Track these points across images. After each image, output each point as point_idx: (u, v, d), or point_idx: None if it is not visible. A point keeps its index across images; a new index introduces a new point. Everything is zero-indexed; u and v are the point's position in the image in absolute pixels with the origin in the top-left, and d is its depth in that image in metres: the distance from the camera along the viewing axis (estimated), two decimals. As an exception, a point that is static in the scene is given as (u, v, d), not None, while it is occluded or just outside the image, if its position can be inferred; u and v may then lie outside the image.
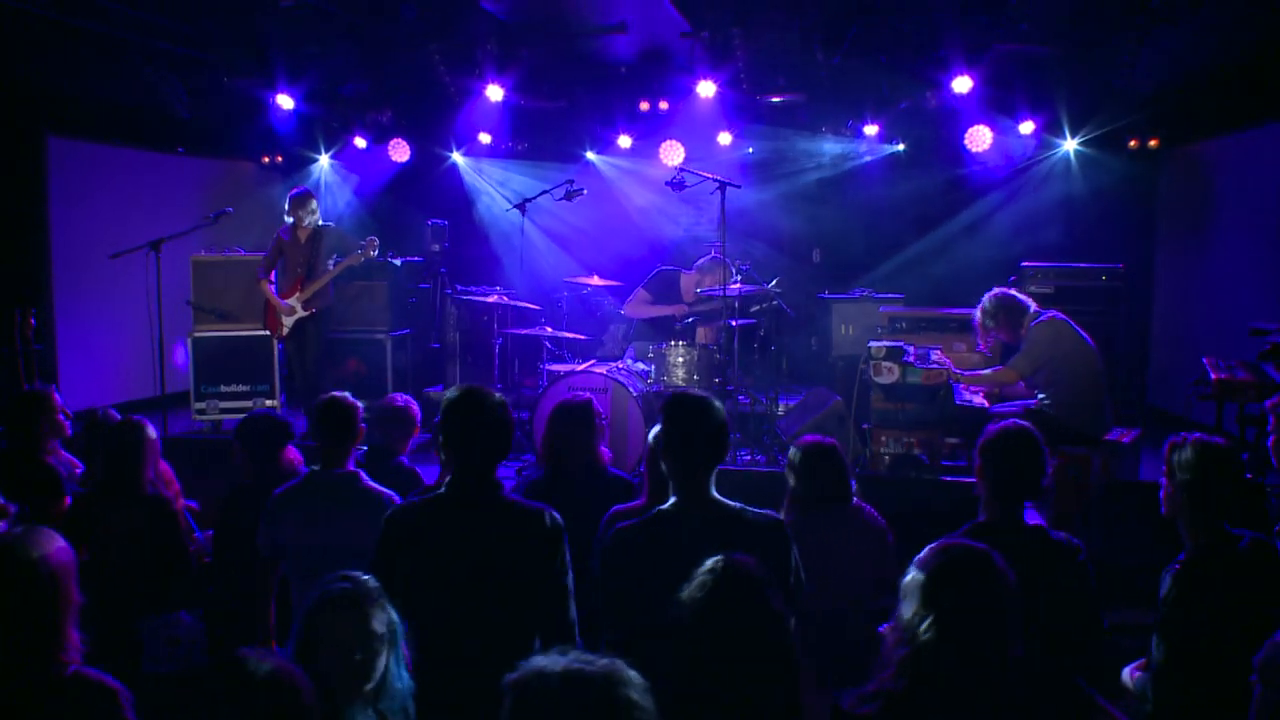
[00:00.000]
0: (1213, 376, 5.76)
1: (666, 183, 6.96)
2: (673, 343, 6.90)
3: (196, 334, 8.68)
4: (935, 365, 5.62)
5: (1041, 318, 5.87)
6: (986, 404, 5.96)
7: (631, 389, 6.80)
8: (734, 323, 7.11)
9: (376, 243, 8.03)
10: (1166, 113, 9.22)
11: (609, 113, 9.80)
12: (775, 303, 7.34)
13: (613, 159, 10.50)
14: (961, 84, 7.45)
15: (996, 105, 9.12)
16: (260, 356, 8.72)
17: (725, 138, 9.82)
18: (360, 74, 8.29)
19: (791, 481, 4.05)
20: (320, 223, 8.13)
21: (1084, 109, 9.19)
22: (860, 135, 9.63)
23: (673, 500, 3.06)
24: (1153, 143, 9.56)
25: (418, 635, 3.18)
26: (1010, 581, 2.31)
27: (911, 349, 6.28)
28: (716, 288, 7.25)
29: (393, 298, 8.99)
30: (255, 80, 8.19)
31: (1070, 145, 9.46)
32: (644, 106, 9.63)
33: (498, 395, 3.26)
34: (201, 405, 8.66)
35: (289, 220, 8.06)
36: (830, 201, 10.13)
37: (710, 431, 3.04)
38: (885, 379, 5.57)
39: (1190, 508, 3.22)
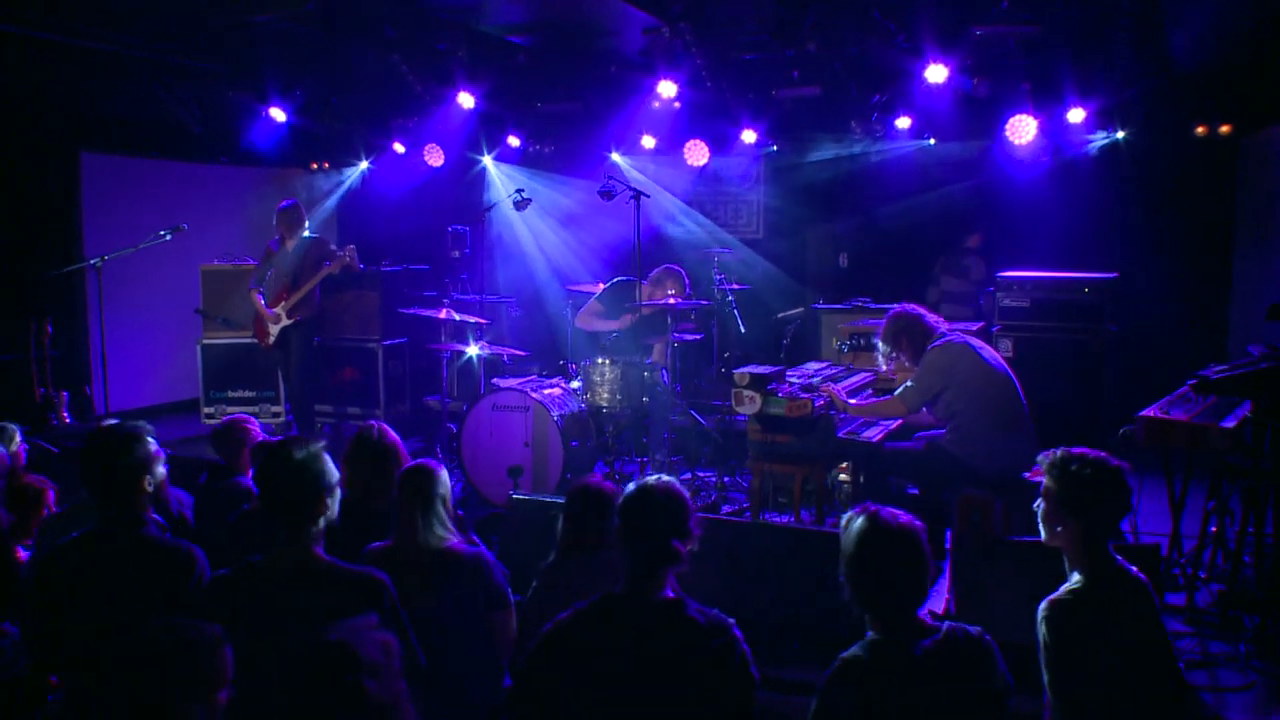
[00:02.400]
0: (1140, 413, 5.12)
1: (598, 191, 6.83)
2: (598, 360, 6.78)
3: (205, 341, 9.28)
4: (806, 394, 5.25)
5: (937, 342, 5.33)
6: (875, 438, 5.52)
7: (552, 410, 6.75)
8: (676, 337, 6.93)
9: (354, 251, 8.31)
10: (1231, 95, 8.28)
11: (627, 113, 9.68)
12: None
13: (636, 160, 10.42)
14: (936, 73, 6.93)
15: (1039, 93, 8.46)
16: (266, 363, 9.19)
17: (749, 135, 9.54)
18: (343, 85, 8.60)
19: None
20: (307, 234, 8.51)
21: (1139, 94, 8.37)
22: (891, 129, 9.14)
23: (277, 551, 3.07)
24: (1224, 128, 8.57)
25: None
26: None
27: (818, 372, 5.94)
28: (663, 299, 7.08)
29: (384, 306, 9.26)
30: (251, 94, 8.64)
31: (1122, 135, 8.64)
32: (656, 105, 9.48)
33: (131, 432, 3.36)
34: (210, 410, 9.25)
35: (279, 232, 8.48)
36: (858, 201, 9.68)
37: (293, 483, 3.02)
38: (748, 409, 5.25)
39: (856, 596, 2.88)
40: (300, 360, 8.50)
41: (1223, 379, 4.52)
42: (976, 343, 5.37)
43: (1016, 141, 8.70)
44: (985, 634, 2.80)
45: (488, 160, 10.79)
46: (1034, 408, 6.45)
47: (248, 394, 9.29)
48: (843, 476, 6.40)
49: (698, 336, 7.15)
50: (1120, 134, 8.71)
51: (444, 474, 3.75)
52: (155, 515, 3.85)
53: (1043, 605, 3.03)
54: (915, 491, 6.31)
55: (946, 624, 2.77)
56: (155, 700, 2.30)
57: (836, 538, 4.52)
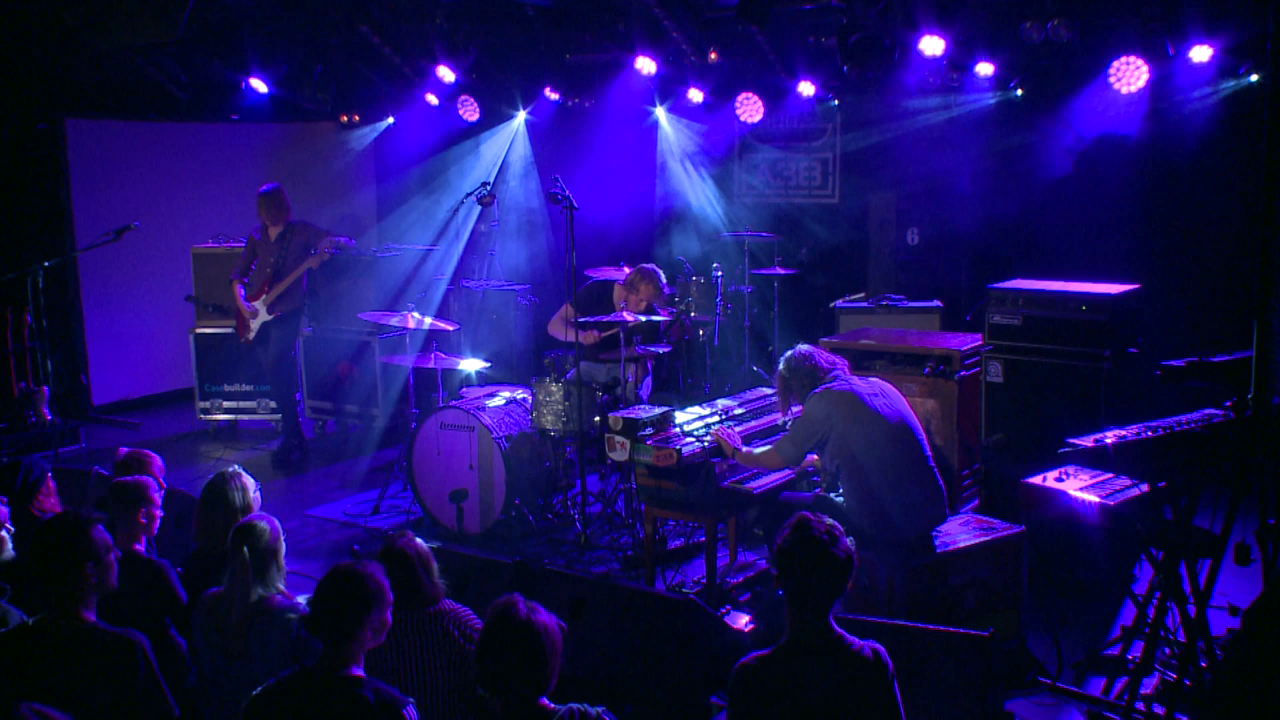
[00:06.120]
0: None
1: (546, 195, 7.42)
2: (545, 378, 7.10)
3: (198, 330, 10.01)
4: (682, 439, 5.77)
5: (818, 389, 5.47)
6: (760, 489, 5.85)
7: (496, 431, 7.15)
8: (641, 350, 7.50)
9: (333, 242, 8.88)
10: None
11: (670, 64, 9.73)
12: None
13: (680, 119, 10.90)
14: (932, 45, 7.17)
15: (1150, 29, 8.41)
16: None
17: (807, 88, 9.76)
18: (318, 57, 9.55)
19: None
20: (290, 219, 9.23)
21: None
22: (971, 79, 9.26)
23: None
24: None
25: None
26: None
27: (753, 403, 6.47)
28: (638, 306, 7.67)
29: (380, 294, 9.86)
30: (228, 65, 9.74)
31: (1256, 77, 8.27)
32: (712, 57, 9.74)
33: None
34: (206, 405, 10.07)
35: (260, 219, 9.25)
36: (932, 164, 9.66)
37: (48, 554, 3.87)
38: (619, 456, 5.82)
39: (480, 683, 3.52)
40: (280, 358, 9.14)
41: (1089, 450, 4.66)
42: (868, 389, 5.44)
43: (1123, 90, 8.66)
44: (606, 714, 3.36)
45: (520, 116, 11.54)
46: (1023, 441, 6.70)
47: (245, 388, 10.03)
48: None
49: (665, 349, 7.64)
50: (1254, 77, 8.52)
51: (271, 529, 4.66)
52: None
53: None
54: None
55: (566, 709, 3.35)
56: None
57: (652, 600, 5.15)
